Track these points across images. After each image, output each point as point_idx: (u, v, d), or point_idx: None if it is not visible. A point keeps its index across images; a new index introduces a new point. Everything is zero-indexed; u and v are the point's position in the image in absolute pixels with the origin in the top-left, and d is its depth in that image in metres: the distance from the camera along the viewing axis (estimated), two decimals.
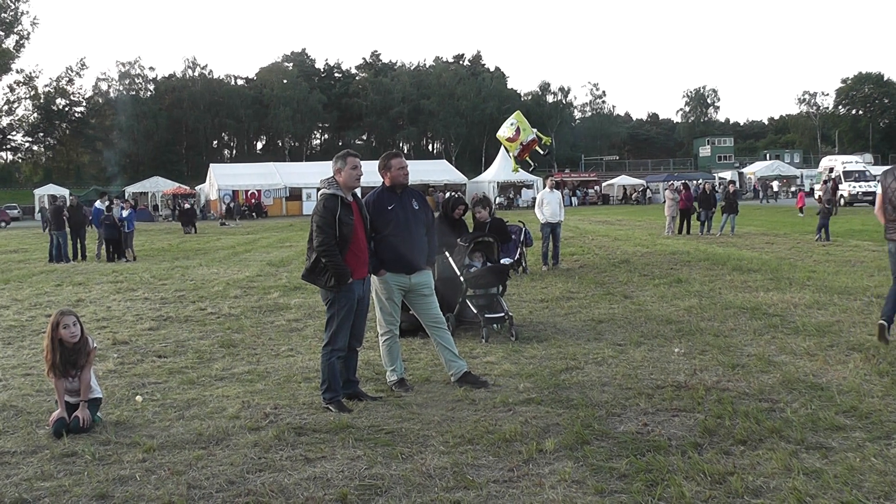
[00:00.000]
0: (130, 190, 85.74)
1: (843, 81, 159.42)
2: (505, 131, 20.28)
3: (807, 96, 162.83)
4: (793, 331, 11.59)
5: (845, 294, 14.89)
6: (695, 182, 61.30)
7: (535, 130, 20.44)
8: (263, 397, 8.57)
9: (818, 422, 7.24)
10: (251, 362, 10.44)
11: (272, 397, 8.57)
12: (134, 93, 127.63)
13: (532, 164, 21.79)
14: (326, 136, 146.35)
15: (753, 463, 6.24)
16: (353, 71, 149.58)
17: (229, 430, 7.40)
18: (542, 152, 21.18)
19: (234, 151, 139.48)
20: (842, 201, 56.20)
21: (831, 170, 66.75)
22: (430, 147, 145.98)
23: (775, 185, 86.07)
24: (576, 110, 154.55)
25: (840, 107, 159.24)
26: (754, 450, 6.54)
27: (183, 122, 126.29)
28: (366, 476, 6.16)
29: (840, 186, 58.06)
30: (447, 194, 18.92)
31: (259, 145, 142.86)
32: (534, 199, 70.56)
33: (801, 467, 6.10)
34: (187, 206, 57.63)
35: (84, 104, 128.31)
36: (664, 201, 36.32)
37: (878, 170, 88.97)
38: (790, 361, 9.67)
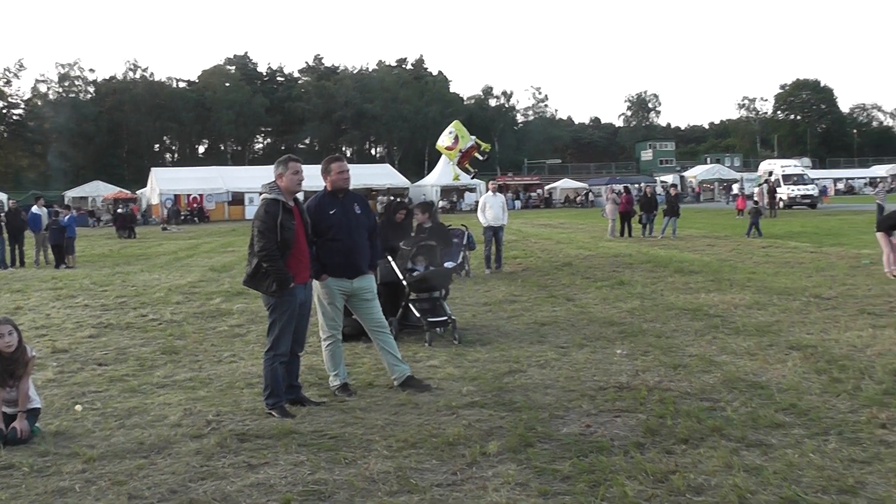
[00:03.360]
0: (70, 194, 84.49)
1: (782, 87, 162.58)
2: (444, 140, 20.30)
3: (746, 102, 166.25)
4: (733, 331, 11.72)
5: (785, 295, 15.09)
6: (637, 186, 61.81)
7: (473, 137, 20.49)
8: (206, 404, 8.48)
9: (758, 420, 7.33)
10: (193, 369, 10.32)
11: (215, 404, 8.48)
12: (74, 95, 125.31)
13: (472, 170, 21.79)
14: (269, 140, 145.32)
15: (695, 461, 6.30)
16: (296, 75, 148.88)
17: (171, 438, 7.30)
18: (481, 158, 21.19)
19: (177, 155, 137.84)
20: (781, 204, 56.93)
21: (771, 173, 67.72)
22: (372, 151, 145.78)
23: (735, 187, 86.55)
24: (519, 114, 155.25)
25: (779, 112, 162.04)
26: (696, 448, 6.61)
27: (124, 125, 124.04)
28: (309, 481, 6.12)
29: (779, 190, 58.80)
30: (389, 198, 18.87)
31: (201, 149, 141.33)
32: (477, 202, 70.84)
33: (742, 464, 6.18)
34: (121, 210, 56.97)
35: (22, 106, 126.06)
36: (605, 204, 36.53)
37: (815, 174, 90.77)
38: (731, 361, 9.78)
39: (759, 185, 58.02)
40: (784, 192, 61.66)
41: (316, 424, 7.64)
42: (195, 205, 74.96)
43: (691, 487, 5.78)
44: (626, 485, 5.82)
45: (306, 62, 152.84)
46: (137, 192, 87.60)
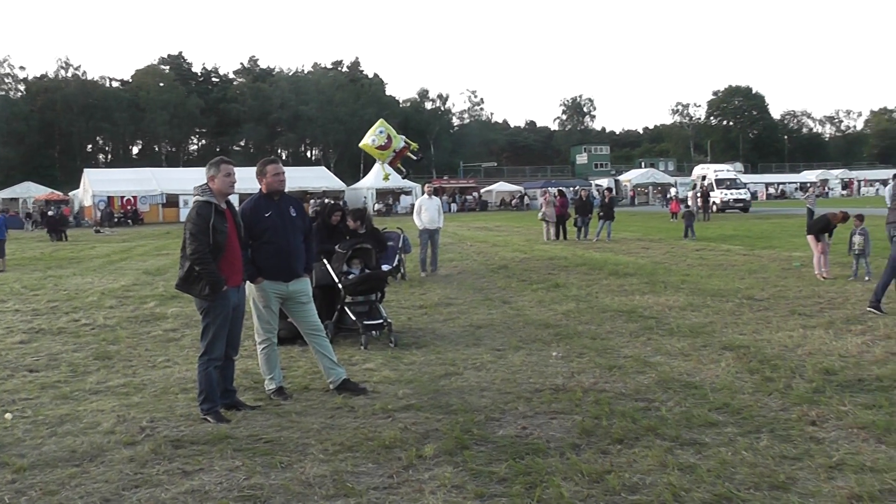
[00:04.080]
0: (0, 196, 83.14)
1: (715, 94, 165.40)
2: (374, 140, 20.16)
3: (680, 107, 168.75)
4: (668, 332, 11.83)
5: (718, 296, 15.27)
6: (572, 189, 62.25)
7: (402, 137, 20.44)
8: (140, 410, 8.33)
9: (692, 419, 7.42)
10: (127, 374, 10.14)
11: (149, 410, 8.34)
12: (3, 93, 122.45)
13: (404, 170, 21.74)
14: (204, 141, 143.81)
15: (630, 461, 6.35)
16: (231, 76, 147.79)
17: (104, 445, 7.16)
18: (414, 158, 21.15)
19: (110, 156, 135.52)
20: (714, 208, 57.70)
21: (704, 178, 68.67)
22: (308, 153, 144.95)
23: (672, 191, 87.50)
24: (454, 117, 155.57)
25: (712, 118, 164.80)
26: (631, 448, 6.65)
27: (56, 124, 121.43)
28: (245, 487, 6.05)
29: (712, 194, 59.61)
30: (323, 201, 18.77)
31: (135, 150, 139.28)
32: (412, 205, 70.93)
33: (676, 463, 6.25)
34: (51, 212, 56.11)
35: None
36: (540, 207, 36.68)
37: (748, 178, 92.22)
38: (665, 362, 9.87)
39: (692, 189, 58.88)
40: (717, 196, 62.64)
41: (251, 429, 7.57)
42: (129, 207, 74.00)
43: (626, 487, 5.83)
44: (562, 486, 5.84)
45: (241, 63, 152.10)
46: (70, 193, 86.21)
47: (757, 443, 6.73)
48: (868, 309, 12.95)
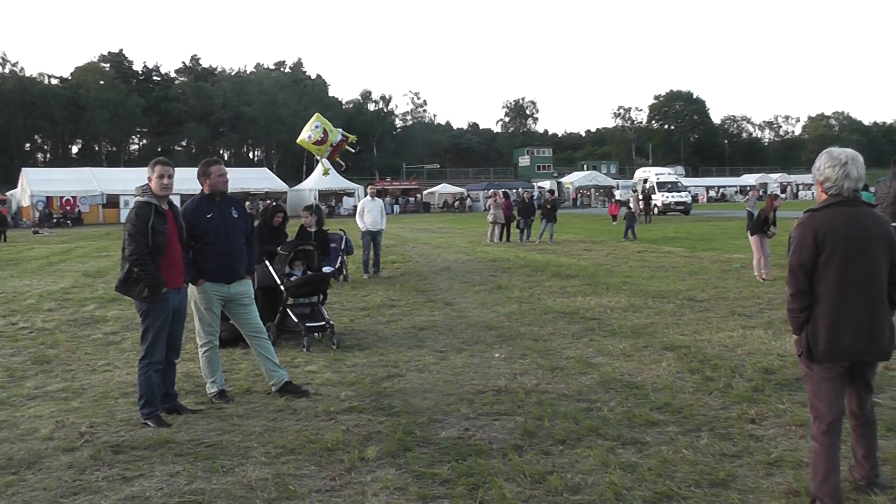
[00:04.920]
0: None
1: (656, 98, 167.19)
2: (310, 135, 20.03)
3: (622, 111, 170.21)
4: (610, 333, 11.90)
5: (659, 297, 15.40)
6: (515, 191, 62.49)
7: (340, 130, 20.34)
8: (79, 416, 8.19)
9: (634, 418, 7.49)
10: (66, 379, 9.95)
11: (88, 415, 8.20)
12: None
13: (343, 164, 21.62)
14: (145, 141, 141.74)
15: (572, 461, 6.39)
16: (173, 74, 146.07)
17: (42, 452, 7.02)
18: (353, 150, 21.04)
19: (49, 155, 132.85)
20: (655, 210, 58.22)
21: (646, 181, 69.32)
22: (251, 154, 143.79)
23: (618, 194, 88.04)
24: (397, 119, 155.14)
25: (653, 122, 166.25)
26: (573, 448, 6.70)
27: None
28: (186, 492, 6.00)
29: (654, 196, 60.16)
30: (267, 202, 18.63)
31: (75, 149, 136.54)
32: (355, 207, 70.64)
33: (618, 462, 6.31)
34: None
35: None
36: (487, 209, 36.75)
37: (689, 181, 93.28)
38: (607, 362, 9.94)
39: (633, 191, 59.47)
40: (658, 198, 63.27)
41: (193, 433, 7.50)
42: (68, 207, 72.97)
43: (569, 487, 5.86)
44: (505, 487, 5.86)
45: (183, 62, 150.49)
46: (7, 193, 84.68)
47: (697, 441, 6.83)
48: None
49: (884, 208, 13.52)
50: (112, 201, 74.13)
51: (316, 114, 20.64)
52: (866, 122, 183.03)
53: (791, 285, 5.48)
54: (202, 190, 8.79)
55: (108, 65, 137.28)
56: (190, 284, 8.50)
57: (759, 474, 6.09)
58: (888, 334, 5.35)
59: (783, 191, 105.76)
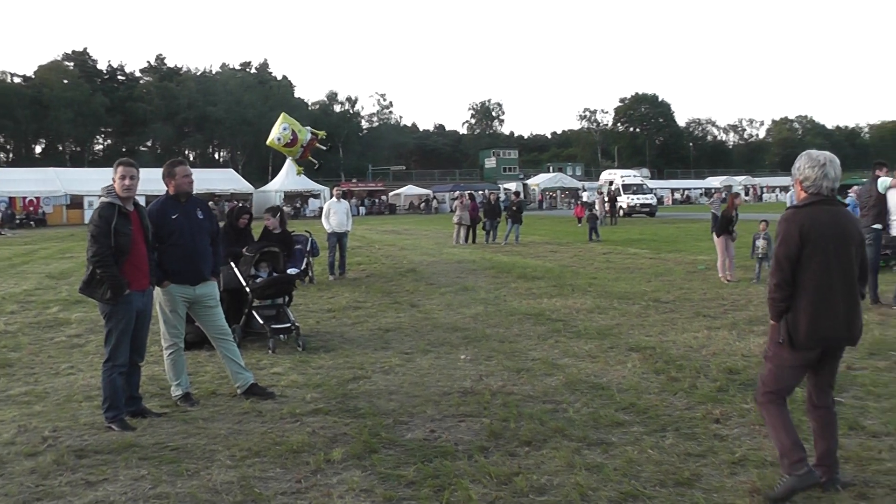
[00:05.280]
0: None
1: (622, 101, 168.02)
2: (279, 138, 19.92)
3: (588, 113, 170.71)
4: (575, 335, 11.94)
5: (624, 299, 15.47)
6: (481, 193, 62.60)
7: (308, 128, 20.22)
8: (42, 420, 8.09)
9: (599, 419, 7.52)
10: (29, 382, 9.83)
11: (51, 419, 8.10)
12: None
13: (315, 162, 21.52)
14: (110, 141, 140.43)
15: (538, 462, 6.40)
16: (138, 74, 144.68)
17: (4, 457, 6.94)
18: (324, 148, 20.93)
19: (11, 155, 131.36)
20: (621, 212, 58.53)
21: (611, 183, 69.75)
22: (216, 155, 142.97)
23: (585, 196, 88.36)
24: (363, 120, 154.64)
25: (619, 124, 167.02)
26: (539, 450, 6.71)
27: None
28: (150, 496, 5.95)
29: (619, 198, 60.51)
30: (233, 203, 18.52)
31: (38, 149, 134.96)
32: (321, 208, 70.35)
33: (584, 463, 6.34)
34: None
35: None
36: (453, 210, 36.77)
37: (654, 183, 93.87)
38: (573, 364, 9.97)
39: (599, 193, 59.84)
40: (624, 201, 63.72)
41: (157, 437, 7.43)
42: (31, 208, 72.27)
43: (534, 488, 5.87)
44: (471, 488, 5.86)
45: (148, 62, 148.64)
46: None
47: (662, 441, 6.88)
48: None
49: (866, 211, 13.91)
50: (76, 202, 73.35)
51: (282, 114, 20.54)
52: (829, 126, 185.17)
53: (776, 276, 5.77)
54: (167, 191, 8.73)
55: (71, 64, 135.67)
56: (155, 286, 8.45)
57: (724, 473, 6.15)
58: (859, 323, 5.79)
59: (747, 193, 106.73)
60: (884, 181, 13.91)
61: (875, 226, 14.02)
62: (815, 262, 5.66)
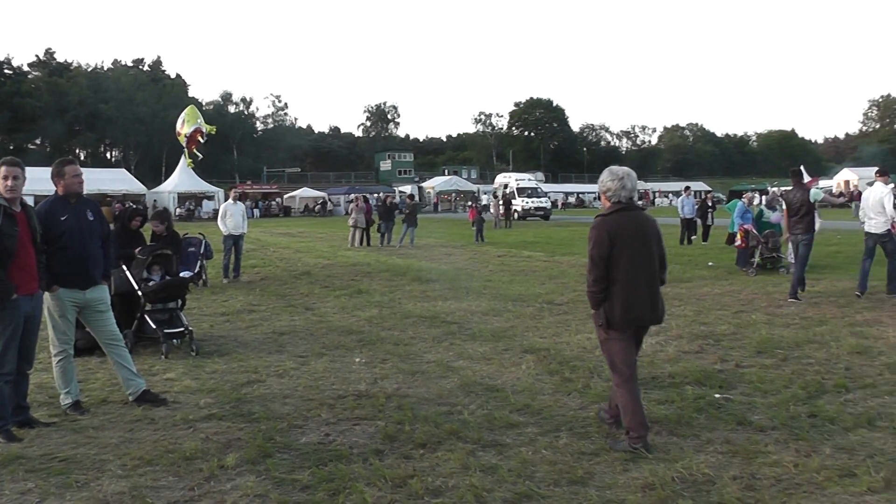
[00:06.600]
0: None
1: (517, 105, 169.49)
2: (177, 126, 19.76)
3: (483, 117, 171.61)
4: (470, 337, 12.01)
5: (519, 301, 15.61)
6: (375, 195, 62.57)
7: (200, 120, 20.00)
8: None
9: (494, 421, 7.59)
10: None
11: None
12: None
13: (200, 155, 21.29)
14: None
15: (433, 464, 6.44)
16: (26, 68, 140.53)
17: None
18: (202, 140, 20.75)
19: None
20: (516, 215, 59.00)
21: (506, 186, 70.33)
22: (108, 155, 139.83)
23: (485, 198, 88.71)
24: (258, 122, 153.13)
25: (514, 128, 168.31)
26: (434, 452, 6.75)
27: None
28: None
29: (514, 202, 60.98)
30: (125, 205, 18.24)
31: None
32: (215, 210, 69.48)
33: (478, 464, 6.39)
34: None
35: None
36: (349, 213, 36.68)
37: (549, 187, 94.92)
38: (468, 366, 10.03)
39: (494, 196, 60.32)
40: (519, 204, 64.25)
41: (46, 447, 7.22)
42: None
43: (429, 490, 5.90)
44: (366, 491, 5.87)
45: (37, 56, 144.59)
46: None
47: (556, 441, 6.98)
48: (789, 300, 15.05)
49: (798, 219, 14.84)
50: None
51: (190, 106, 20.32)
52: (719, 134, 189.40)
53: (593, 273, 6.94)
54: (56, 191, 8.50)
55: None
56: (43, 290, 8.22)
57: (617, 470, 6.28)
58: (661, 306, 7.07)
59: (640, 198, 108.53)
60: (816, 192, 15.76)
61: (807, 235, 15.36)
62: (623, 259, 6.82)
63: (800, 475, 6.10)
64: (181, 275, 12.68)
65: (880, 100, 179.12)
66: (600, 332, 7.08)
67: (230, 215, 21.20)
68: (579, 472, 6.21)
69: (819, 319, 12.95)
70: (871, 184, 16.24)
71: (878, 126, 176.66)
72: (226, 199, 22.13)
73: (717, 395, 8.41)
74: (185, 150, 20.41)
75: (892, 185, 15.63)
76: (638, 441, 6.65)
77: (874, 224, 15.46)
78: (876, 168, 16.63)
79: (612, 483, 6.01)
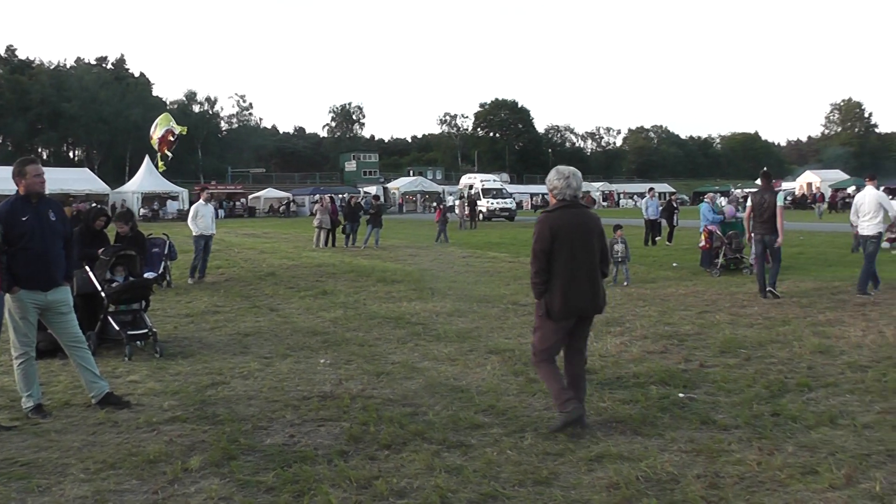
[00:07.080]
0: None
1: (482, 106, 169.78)
2: (151, 131, 19.74)
3: (448, 118, 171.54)
4: (435, 338, 12.03)
5: (484, 302, 15.64)
6: (340, 196, 62.46)
7: (171, 122, 19.95)
8: None
9: (459, 422, 7.61)
10: None
11: None
12: None
13: (170, 154, 21.22)
14: None
15: (398, 465, 6.44)
16: None
17: None
18: (172, 139, 20.71)
19: None
20: (481, 216, 59.05)
21: (471, 187, 70.43)
22: (71, 154, 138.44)
23: (450, 199, 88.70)
24: (223, 122, 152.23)
25: (479, 129, 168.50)
26: (399, 453, 6.75)
27: None
28: None
29: (479, 203, 61.04)
30: (90, 204, 18.10)
31: None
32: (179, 210, 69.14)
33: (443, 465, 6.41)
34: None
35: None
36: (313, 213, 36.59)
37: (514, 188, 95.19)
38: (433, 367, 10.05)
39: (460, 197, 60.39)
40: (484, 205, 64.33)
41: (6, 451, 7.13)
42: None
43: (394, 491, 5.90)
44: (331, 493, 5.86)
45: None
46: None
47: (521, 441, 7.01)
48: (769, 290, 15.61)
49: (763, 221, 15.21)
50: None
51: (165, 113, 20.29)
52: (683, 136, 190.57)
53: (535, 265, 7.38)
54: (17, 191, 8.42)
55: None
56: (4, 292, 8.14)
57: (581, 470, 6.31)
58: (602, 296, 7.50)
59: (605, 199, 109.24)
60: (781, 196, 15.83)
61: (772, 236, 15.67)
62: (564, 253, 7.24)
63: (763, 473, 6.16)
64: (145, 276, 12.59)
65: (842, 103, 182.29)
66: (538, 319, 7.51)
67: (201, 216, 21.15)
68: (544, 472, 6.24)
69: (782, 319, 13.08)
70: (860, 188, 17.12)
71: (839, 129, 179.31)
72: (191, 200, 22.07)
73: (681, 395, 8.47)
74: (158, 153, 20.32)
75: (883, 188, 16.33)
76: (566, 405, 7.15)
77: (867, 226, 16.02)
78: (868, 174, 17.59)
79: (576, 483, 6.04)
